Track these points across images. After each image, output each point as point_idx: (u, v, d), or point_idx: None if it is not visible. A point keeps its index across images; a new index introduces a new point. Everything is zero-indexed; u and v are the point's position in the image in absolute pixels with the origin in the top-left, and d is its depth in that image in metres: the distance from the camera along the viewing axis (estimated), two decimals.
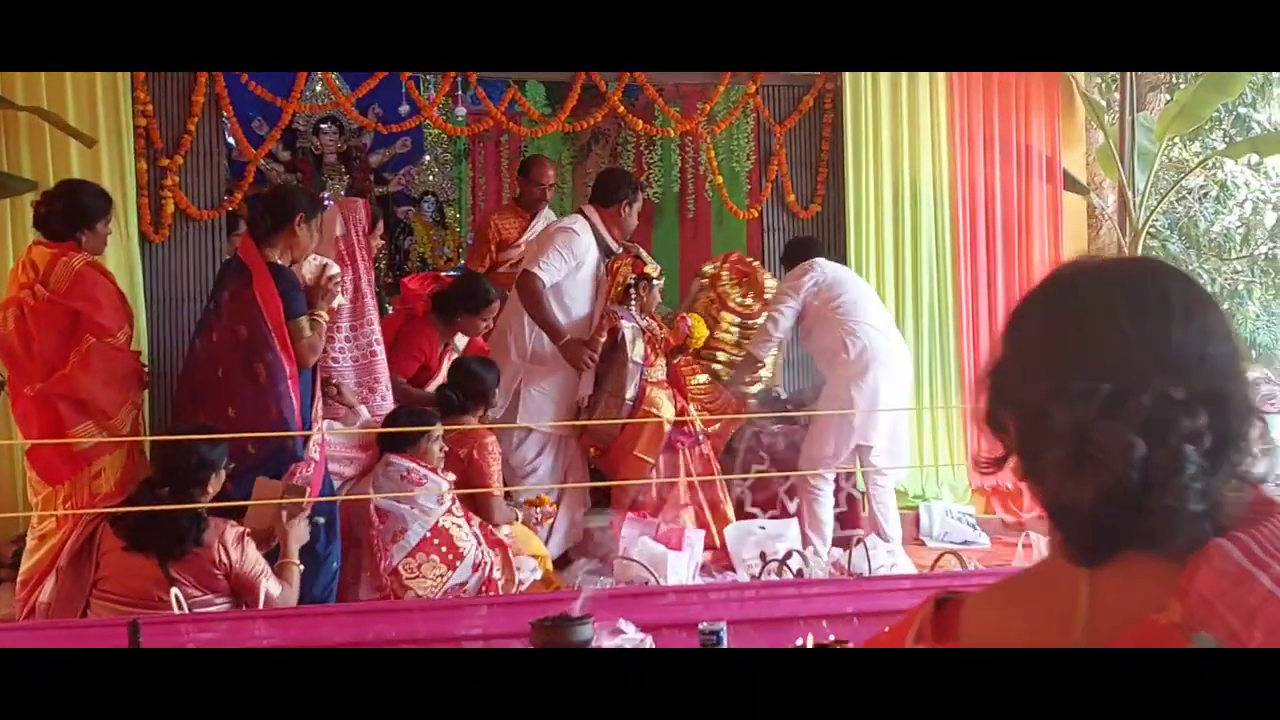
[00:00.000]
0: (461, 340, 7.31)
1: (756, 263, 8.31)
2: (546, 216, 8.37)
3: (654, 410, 7.11)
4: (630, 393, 7.07)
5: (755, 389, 8.01)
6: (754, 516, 7.38)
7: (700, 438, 7.40)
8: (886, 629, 1.45)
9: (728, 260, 8.33)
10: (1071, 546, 1.32)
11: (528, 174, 8.51)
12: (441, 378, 6.93)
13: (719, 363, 7.99)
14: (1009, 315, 1.44)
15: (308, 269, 5.96)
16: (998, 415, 1.39)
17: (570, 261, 7.16)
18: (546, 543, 6.77)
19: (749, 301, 7.99)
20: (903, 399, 7.62)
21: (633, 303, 7.31)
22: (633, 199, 7.47)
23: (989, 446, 1.41)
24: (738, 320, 7.97)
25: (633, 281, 7.30)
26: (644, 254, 7.62)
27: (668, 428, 7.16)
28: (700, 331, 7.91)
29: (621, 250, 7.47)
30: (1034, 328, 1.39)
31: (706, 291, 8.20)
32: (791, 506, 7.47)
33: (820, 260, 7.63)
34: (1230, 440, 1.29)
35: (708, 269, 8.34)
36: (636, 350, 7.19)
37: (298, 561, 5.38)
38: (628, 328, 7.17)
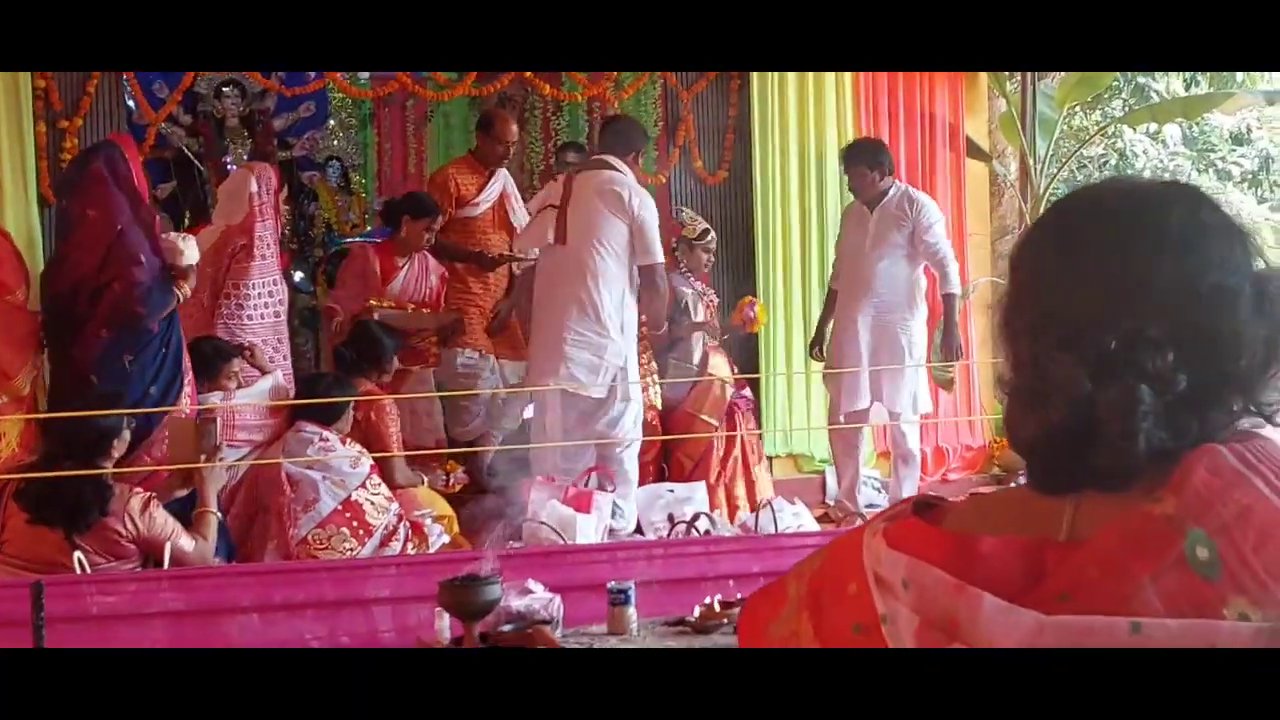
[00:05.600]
0: None
1: None
2: (504, 176, 8.02)
3: (715, 374, 7.15)
4: (696, 357, 7.09)
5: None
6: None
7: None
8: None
9: None
10: (1030, 475, 1.30)
11: (490, 129, 7.94)
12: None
13: None
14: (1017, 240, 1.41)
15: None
16: (1000, 338, 1.36)
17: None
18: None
19: None
20: None
21: (682, 265, 7.36)
22: (643, 150, 7.19)
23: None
24: None
25: (674, 245, 7.31)
26: (685, 215, 7.61)
27: (730, 391, 7.22)
28: (763, 319, 7.95)
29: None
30: (1026, 256, 1.37)
31: None
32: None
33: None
34: (1231, 380, 1.25)
35: None
36: (699, 314, 7.21)
37: (215, 510, 5.34)
38: (688, 293, 7.19)
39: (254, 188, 6.57)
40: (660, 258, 6.77)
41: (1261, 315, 1.27)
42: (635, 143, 7.05)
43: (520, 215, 7.95)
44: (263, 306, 6.54)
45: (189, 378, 5.87)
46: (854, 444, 7.73)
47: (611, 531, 6.43)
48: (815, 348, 8.02)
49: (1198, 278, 1.25)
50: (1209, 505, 1.18)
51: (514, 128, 8.08)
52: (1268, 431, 1.28)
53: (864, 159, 7.60)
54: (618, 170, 6.83)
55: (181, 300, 5.95)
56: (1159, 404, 1.21)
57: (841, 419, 7.73)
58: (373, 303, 7.17)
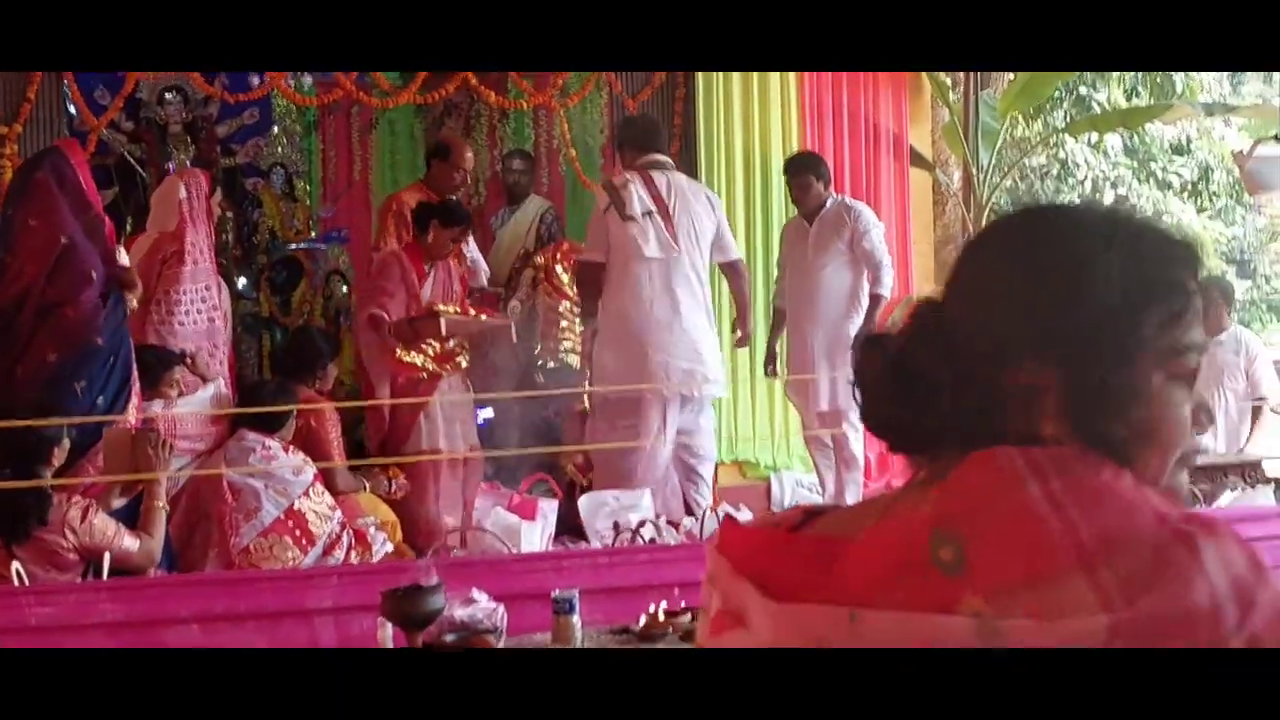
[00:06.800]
0: None
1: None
2: None
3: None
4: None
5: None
6: None
7: None
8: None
9: (559, 250, 8.37)
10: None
11: (448, 156, 7.76)
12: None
13: (564, 351, 8.10)
14: None
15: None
16: None
17: None
18: None
19: None
20: None
21: None
22: None
23: None
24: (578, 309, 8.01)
25: None
26: None
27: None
28: None
29: None
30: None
31: (542, 284, 8.24)
32: None
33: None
34: (1092, 387, 1.22)
35: (538, 260, 8.38)
36: None
37: (164, 503, 5.29)
38: None
39: (183, 194, 6.56)
40: (740, 254, 7.41)
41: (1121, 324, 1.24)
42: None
43: (470, 243, 7.93)
44: (195, 313, 6.50)
45: (136, 387, 5.81)
46: (827, 450, 7.80)
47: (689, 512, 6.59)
48: (769, 365, 8.07)
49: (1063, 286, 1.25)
50: (971, 505, 1.17)
51: (470, 154, 7.98)
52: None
53: (810, 168, 7.73)
54: (679, 171, 7.30)
55: (127, 312, 5.91)
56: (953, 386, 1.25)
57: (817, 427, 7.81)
58: (439, 307, 7.04)
